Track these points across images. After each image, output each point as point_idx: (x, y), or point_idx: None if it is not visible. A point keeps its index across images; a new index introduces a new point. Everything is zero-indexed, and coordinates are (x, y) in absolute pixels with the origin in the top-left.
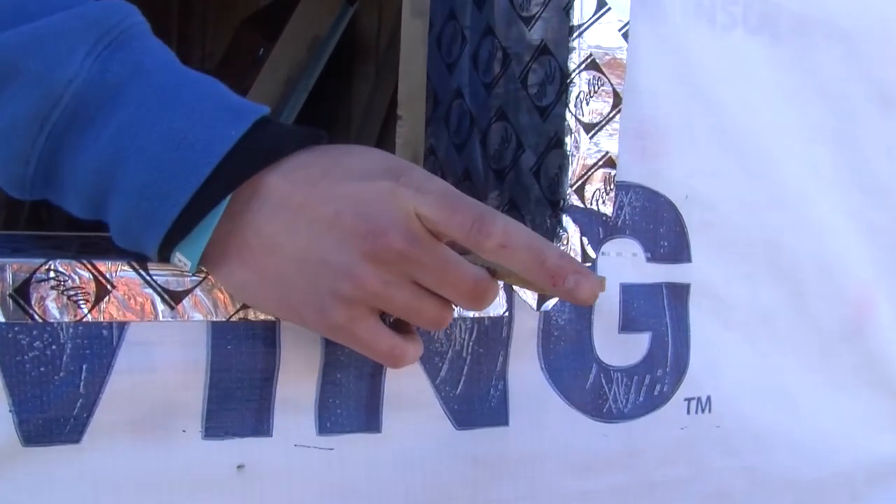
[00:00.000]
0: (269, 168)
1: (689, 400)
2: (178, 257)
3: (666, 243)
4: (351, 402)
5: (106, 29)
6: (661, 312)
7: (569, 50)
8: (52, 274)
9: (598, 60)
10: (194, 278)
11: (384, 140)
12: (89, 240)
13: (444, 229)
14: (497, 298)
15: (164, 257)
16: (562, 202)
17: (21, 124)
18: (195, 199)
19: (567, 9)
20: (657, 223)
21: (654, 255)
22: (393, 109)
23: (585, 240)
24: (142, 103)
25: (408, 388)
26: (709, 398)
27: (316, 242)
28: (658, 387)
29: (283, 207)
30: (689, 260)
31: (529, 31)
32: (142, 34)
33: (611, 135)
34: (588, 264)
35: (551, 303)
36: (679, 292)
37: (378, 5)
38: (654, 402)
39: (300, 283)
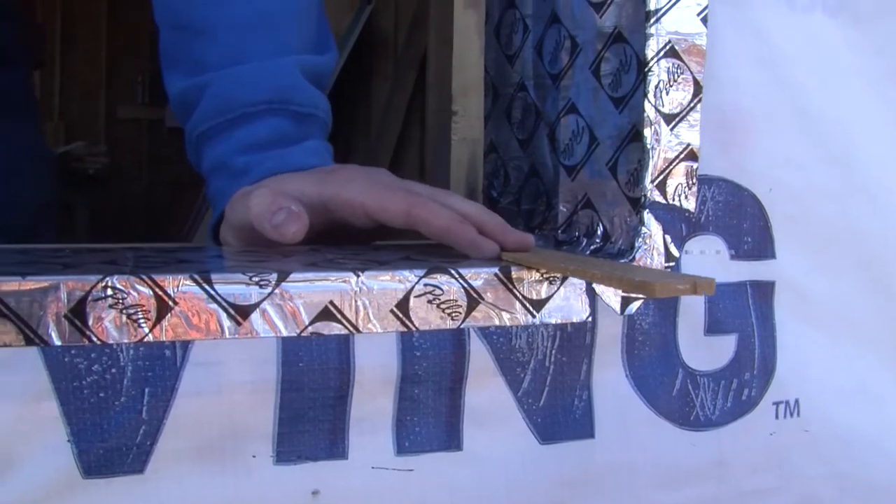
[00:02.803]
0: None
1: (777, 404)
2: None
3: (749, 239)
4: (430, 419)
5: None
6: (747, 312)
7: (646, 37)
8: (109, 291)
9: (676, 47)
10: (261, 291)
11: (404, 138)
12: (142, 252)
13: None
14: (580, 303)
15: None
16: (642, 198)
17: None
18: None
19: None
20: (741, 218)
21: (738, 253)
22: (413, 106)
23: (668, 238)
24: None
25: (489, 402)
26: (797, 401)
27: None
28: (746, 391)
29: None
30: (773, 256)
31: (601, 17)
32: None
33: (692, 125)
34: (671, 264)
35: (635, 306)
36: (764, 290)
37: (395, 3)
38: (742, 408)
39: None
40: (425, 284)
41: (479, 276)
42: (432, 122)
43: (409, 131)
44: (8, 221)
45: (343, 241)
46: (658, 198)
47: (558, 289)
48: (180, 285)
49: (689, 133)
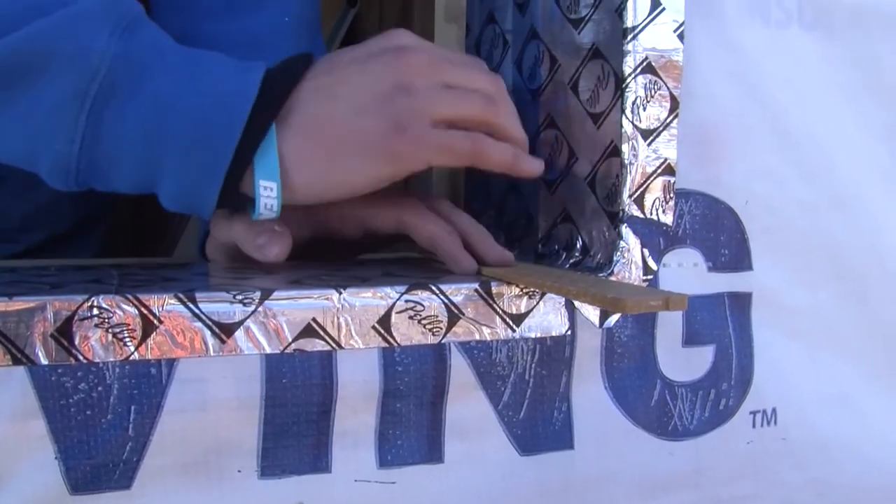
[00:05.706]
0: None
1: (754, 413)
2: (262, 185)
3: (727, 251)
4: (412, 432)
5: (120, 14)
6: (724, 323)
7: (623, 53)
8: (95, 311)
9: (654, 63)
10: (245, 309)
11: None
12: (126, 270)
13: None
14: (559, 317)
15: (232, 201)
16: (620, 213)
17: (62, 104)
18: (246, 134)
19: (620, 10)
20: (718, 231)
21: (716, 265)
22: None
23: (646, 251)
24: (169, 74)
25: (470, 415)
26: (774, 410)
27: (357, 94)
28: (723, 401)
29: (316, 91)
30: (750, 268)
31: (579, 34)
32: (147, 21)
33: (669, 140)
34: (650, 277)
35: (613, 319)
36: (741, 302)
37: (379, 7)
38: (719, 417)
39: (365, 127)
40: (406, 300)
41: (460, 292)
42: None
43: None
44: (47, 227)
45: (330, 254)
46: (636, 212)
47: (537, 303)
48: (165, 304)
49: (667, 148)
